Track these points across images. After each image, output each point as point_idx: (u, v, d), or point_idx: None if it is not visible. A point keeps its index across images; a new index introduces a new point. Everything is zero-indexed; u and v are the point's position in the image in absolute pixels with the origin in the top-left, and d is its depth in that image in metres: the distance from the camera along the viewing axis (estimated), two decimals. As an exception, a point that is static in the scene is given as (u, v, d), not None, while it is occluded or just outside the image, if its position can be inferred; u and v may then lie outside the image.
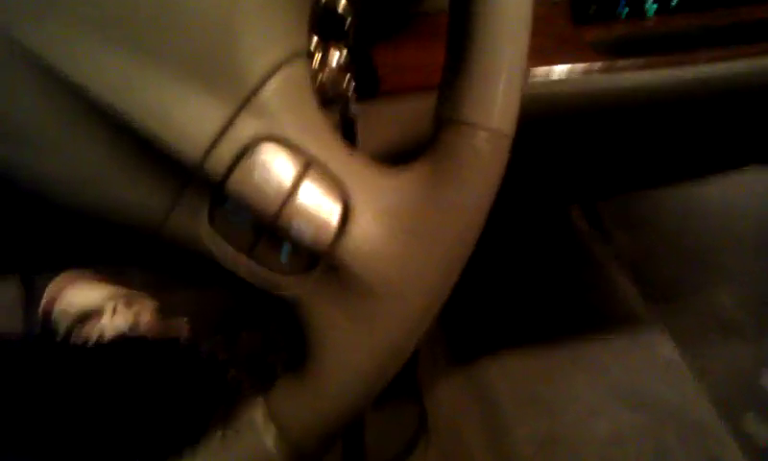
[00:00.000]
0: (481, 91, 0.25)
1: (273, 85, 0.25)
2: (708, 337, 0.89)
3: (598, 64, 0.45)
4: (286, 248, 0.25)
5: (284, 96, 0.25)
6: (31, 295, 1.00)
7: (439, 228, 0.25)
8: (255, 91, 0.24)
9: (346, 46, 0.40)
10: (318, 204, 0.25)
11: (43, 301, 0.96)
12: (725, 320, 0.92)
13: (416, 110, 0.47)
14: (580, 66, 0.44)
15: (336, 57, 0.39)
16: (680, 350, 0.84)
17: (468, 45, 0.25)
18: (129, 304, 0.92)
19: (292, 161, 0.25)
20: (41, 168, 0.24)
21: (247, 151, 0.24)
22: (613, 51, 0.45)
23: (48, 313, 0.95)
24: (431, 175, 0.26)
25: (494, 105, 0.25)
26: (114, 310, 0.91)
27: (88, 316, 0.93)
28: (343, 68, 0.39)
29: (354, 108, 0.42)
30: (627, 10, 0.46)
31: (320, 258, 0.25)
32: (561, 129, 0.47)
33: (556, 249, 0.95)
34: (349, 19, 0.39)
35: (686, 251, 1.00)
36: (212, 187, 0.24)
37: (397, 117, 0.46)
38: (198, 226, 0.25)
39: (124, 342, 0.86)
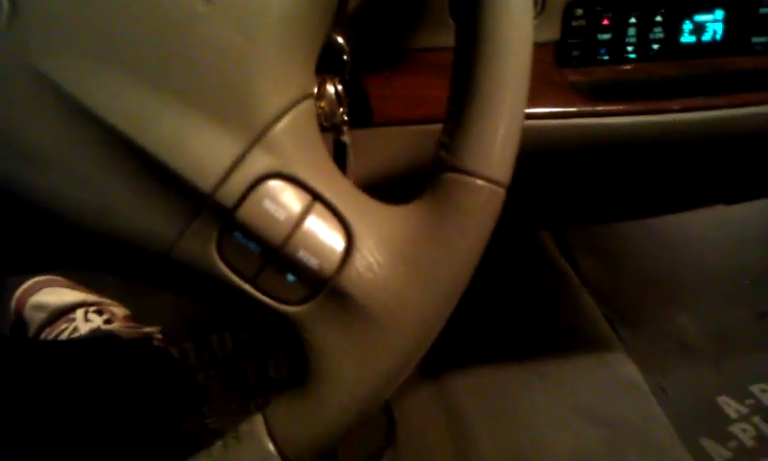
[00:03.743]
0: (481, 143, 0.27)
1: (284, 124, 0.26)
2: (669, 359, 0.92)
3: (578, 106, 0.47)
4: (290, 276, 0.27)
5: (294, 134, 0.27)
6: (1, 294, 0.99)
7: (437, 263, 0.27)
8: (267, 129, 0.26)
9: (341, 80, 0.41)
10: (323, 235, 0.27)
11: (14, 300, 0.95)
12: (685, 343, 0.95)
13: (404, 140, 0.49)
14: (560, 108, 0.47)
15: (332, 89, 0.41)
16: (642, 371, 0.87)
17: (470, 98, 0.27)
18: (100, 312, 0.92)
19: (299, 196, 0.26)
20: (57, 190, 0.26)
21: (257, 184, 0.26)
22: (594, 93, 0.48)
23: (19, 312, 0.94)
24: (431, 214, 0.27)
25: (493, 156, 0.27)
26: (86, 315, 0.90)
27: (60, 316, 0.92)
28: (338, 100, 0.41)
29: (347, 136, 0.43)
30: (608, 57, 0.49)
31: (323, 286, 0.27)
32: (538, 162, 0.49)
33: (525, 270, 0.98)
34: (345, 55, 0.40)
35: (648, 277, 1.04)
36: (222, 217, 0.26)
37: (386, 145, 0.48)
38: (206, 253, 0.26)
39: (97, 338, 0.85)
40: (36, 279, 0.95)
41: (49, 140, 0.25)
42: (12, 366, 0.70)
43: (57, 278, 0.96)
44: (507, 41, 0.26)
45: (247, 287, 0.27)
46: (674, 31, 0.50)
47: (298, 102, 0.27)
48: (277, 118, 0.26)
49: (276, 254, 0.26)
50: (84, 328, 0.88)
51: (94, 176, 0.25)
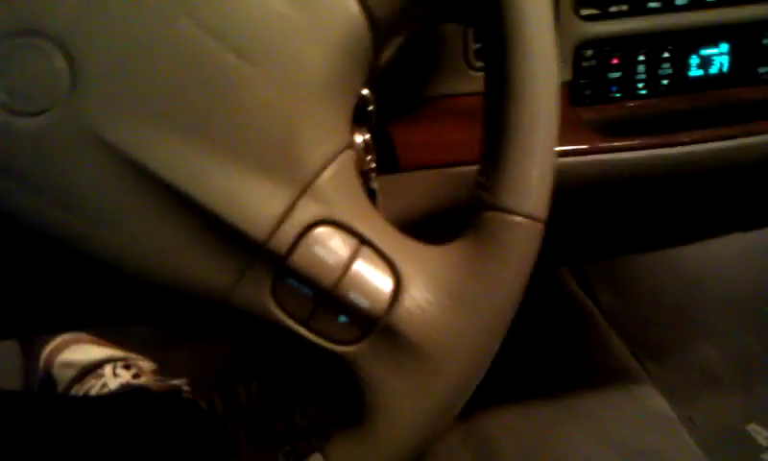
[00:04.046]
0: (519, 182, 0.28)
1: (328, 173, 0.28)
2: (696, 390, 0.92)
3: (594, 143, 0.49)
4: (342, 317, 0.28)
5: (337, 182, 0.28)
6: (29, 353, 1.00)
7: (483, 298, 0.28)
8: (314, 179, 0.28)
9: (368, 129, 0.43)
10: (371, 276, 0.28)
11: (42, 359, 0.96)
12: (711, 373, 0.95)
13: (427, 183, 0.50)
14: (577, 145, 0.48)
15: (360, 139, 0.43)
16: (669, 402, 0.87)
17: (504, 139, 0.28)
18: (127, 367, 0.93)
19: (346, 240, 0.28)
20: (121, 247, 0.27)
21: (306, 231, 0.27)
22: (608, 130, 0.50)
23: (47, 371, 0.95)
24: (474, 252, 0.29)
25: (530, 193, 0.28)
26: (114, 371, 0.91)
27: (88, 373, 0.93)
28: (366, 149, 0.43)
29: (375, 182, 0.45)
30: (619, 94, 0.51)
31: (374, 325, 0.28)
32: (557, 199, 0.51)
33: (547, 307, 0.98)
34: (371, 105, 0.42)
35: (669, 308, 1.04)
36: (275, 264, 0.27)
37: (411, 189, 0.50)
38: (261, 298, 0.28)
39: (129, 392, 0.86)
40: (63, 337, 0.97)
41: (112, 200, 0.26)
42: (48, 421, 0.71)
43: (82, 335, 0.98)
44: (537, 83, 0.28)
45: (301, 330, 0.28)
46: (682, 66, 0.52)
47: (339, 152, 0.29)
48: (322, 168, 0.28)
49: (328, 297, 0.27)
50: (113, 384, 0.89)
51: (155, 231, 0.27)
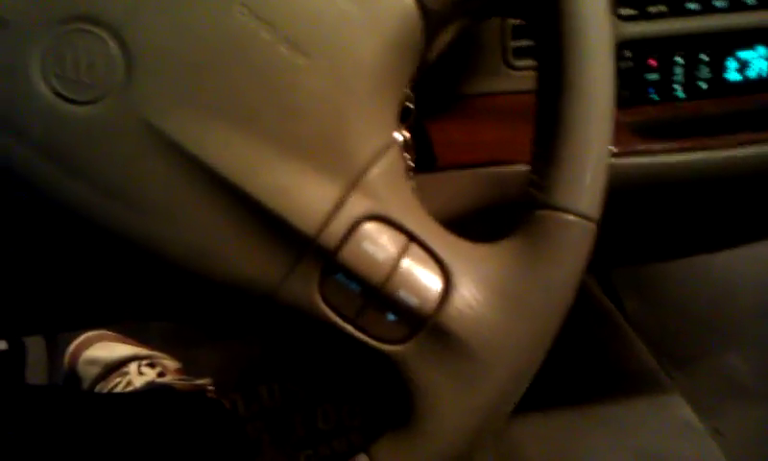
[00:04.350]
0: (572, 181, 0.28)
1: (378, 169, 0.28)
2: (723, 400, 0.91)
3: (634, 145, 0.49)
4: (391, 315, 0.28)
5: (387, 178, 0.28)
6: (54, 350, 1.01)
7: (534, 299, 0.28)
8: (364, 174, 0.27)
9: (408, 127, 0.43)
10: (421, 274, 0.28)
11: (67, 355, 0.97)
12: (738, 382, 0.94)
13: (462, 182, 0.50)
14: (617, 147, 0.48)
15: (400, 137, 0.43)
16: (696, 411, 0.86)
17: (558, 138, 0.28)
18: (152, 365, 0.93)
19: (395, 237, 0.28)
20: (172, 238, 0.27)
21: (356, 227, 0.27)
22: (647, 132, 0.49)
23: (72, 367, 0.96)
24: (525, 250, 0.28)
25: (583, 192, 0.28)
26: (139, 369, 0.92)
27: (113, 370, 0.93)
28: (405, 147, 0.43)
29: (413, 181, 0.45)
30: (657, 96, 0.50)
31: (423, 324, 0.28)
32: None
33: (572, 314, 0.98)
34: (411, 103, 0.42)
35: (695, 317, 1.03)
36: (324, 259, 0.27)
37: (446, 188, 0.49)
38: (309, 294, 0.27)
39: (154, 390, 0.86)
40: (88, 334, 0.98)
41: (163, 190, 0.26)
42: (73, 417, 0.72)
43: (107, 332, 0.99)
44: (594, 81, 0.28)
45: (348, 327, 0.28)
46: (720, 69, 0.51)
47: (388, 147, 0.29)
48: (372, 163, 0.28)
49: (376, 294, 0.27)
50: (138, 382, 0.90)
51: (206, 222, 0.27)
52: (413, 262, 0.28)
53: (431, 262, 0.28)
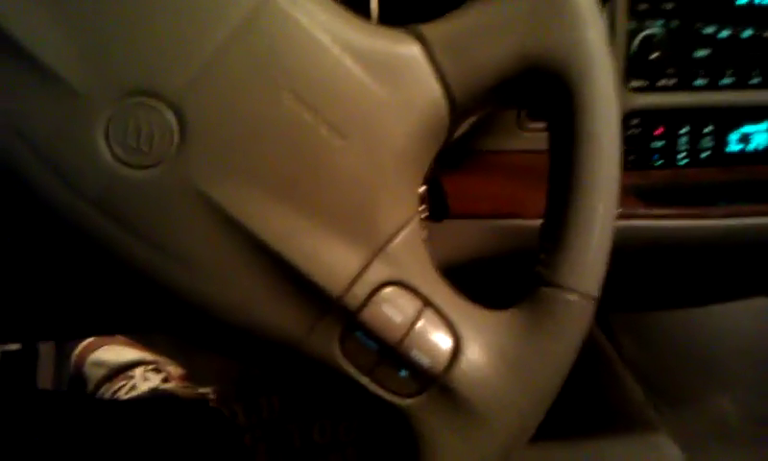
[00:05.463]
0: (576, 263, 0.31)
1: (401, 238, 0.31)
2: (711, 441, 0.93)
3: (635, 208, 0.51)
4: (403, 372, 0.31)
5: (408, 247, 0.31)
6: (61, 352, 1.03)
7: (534, 366, 0.31)
8: (387, 243, 0.30)
9: (425, 181, 0.46)
10: (433, 336, 0.30)
11: (74, 355, 0.99)
12: (726, 425, 0.96)
13: (470, 232, 0.53)
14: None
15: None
16: (684, 451, 0.88)
17: (565, 227, 0.31)
18: (157, 371, 0.96)
19: (412, 301, 0.31)
20: (212, 292, 0.30)
21: (377, 291, 0.30)
22: (647, 196, 0.52)
23: (78, 368, 0.98)
24: (529, 322, 0.31)
25: (585, 274, 0.31)
26: (144, 374, 0.94)
27: (118, 374, 0.96)
28: (421, 199, 0.46)
29: (425, 231, 0.48)
30: (660, 162, 0.53)
31: (432, 382, 0.30)
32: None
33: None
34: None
35: (689, 361, 1.05)
36: (347, 318, 0.30)
37: (454, 237, 0.52)
38: (330, 347, 0.30)
39: (157, 398, 0.89)
40: (95, 338, 1.00)
41: (208, 251, 0.29)
42: (76, 423, 0.74)
43: (114, 336, 1.01)
44: (601, 179, 0.31)
45: (364, 380, 0.31)
46: (722, 141, 0.54)
47: (411, 218, 0.31)
48: (395, 234, 0.31)
49: (392, 352, 0.30)
50: (142, 387, 0.92)
51: (243, 281, 0.30)
52: (426, 325, 0.31)
53: (443, 326, 0.31)
